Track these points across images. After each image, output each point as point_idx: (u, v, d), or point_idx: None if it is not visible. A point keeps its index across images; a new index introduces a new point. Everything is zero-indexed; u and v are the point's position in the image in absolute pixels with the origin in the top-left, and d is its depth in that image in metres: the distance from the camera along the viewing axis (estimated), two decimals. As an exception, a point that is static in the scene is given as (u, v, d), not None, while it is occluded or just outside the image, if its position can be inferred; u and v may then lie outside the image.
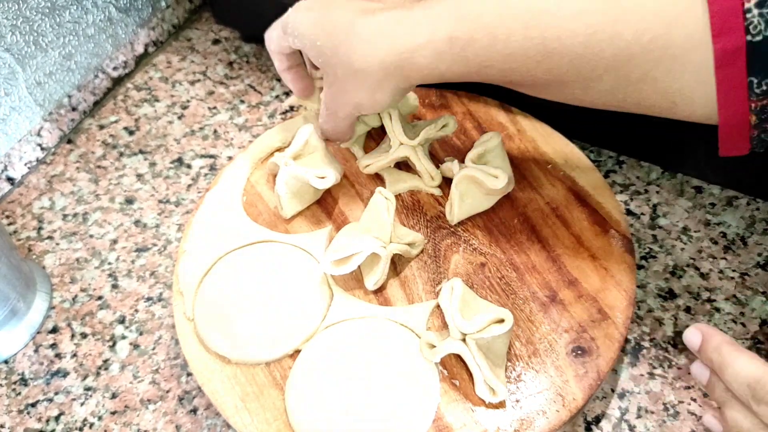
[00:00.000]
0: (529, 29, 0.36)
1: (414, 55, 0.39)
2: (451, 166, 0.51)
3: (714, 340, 0.40)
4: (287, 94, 0.69)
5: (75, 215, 0.61)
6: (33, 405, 0.49)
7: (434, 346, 0.43)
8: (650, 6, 0.33)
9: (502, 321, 0.41)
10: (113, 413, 0.48)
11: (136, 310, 0.54)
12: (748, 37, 0.31)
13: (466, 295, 0.44)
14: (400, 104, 0.53)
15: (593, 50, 0.35)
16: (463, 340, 0.42)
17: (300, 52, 0.48)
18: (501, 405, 0.41)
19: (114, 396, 0.49)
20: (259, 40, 0.75)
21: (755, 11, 0.30)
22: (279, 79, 0.70)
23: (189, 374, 0.50)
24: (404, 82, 0.42)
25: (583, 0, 0.35)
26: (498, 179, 0.48)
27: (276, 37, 0.47)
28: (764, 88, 0.32)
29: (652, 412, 0.46)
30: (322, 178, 0.50)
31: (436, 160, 0.54)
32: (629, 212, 0.56)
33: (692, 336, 0.42)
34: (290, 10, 0.45)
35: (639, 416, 0.46)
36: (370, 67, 0.41)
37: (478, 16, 0.37)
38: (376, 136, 0.57)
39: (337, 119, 0.47)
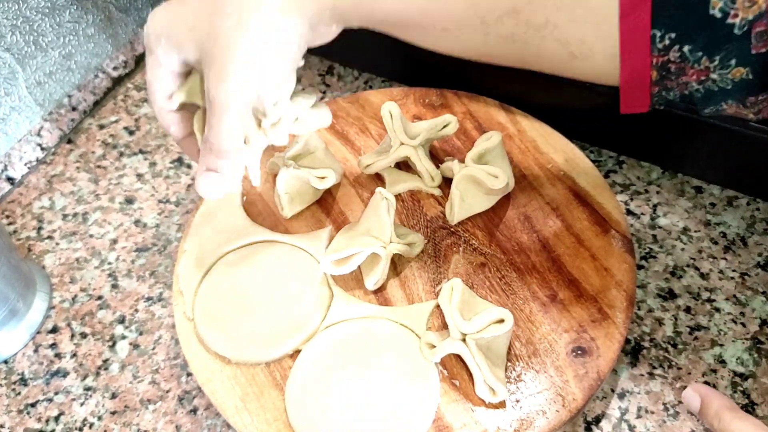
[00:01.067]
0: None
1: None
2: (451, 166, 0.51)
3: (713, 404, 0.40)
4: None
5: (75, 215, 0.61)
6: (33, 405, 0.49)
7: (434, 346, 0.43)
8: None
9: (501, 321, 0.41)
10: (113, 413, 0.48)
11: (136, 310, 0.54)
12: None
13: (466, 295, 0.44)
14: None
15: None
16: (463, 340, 0.42)
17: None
18: (501, 405, 0.41)
19: (114, 396, 0.49)
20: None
21: None
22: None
23: (189, 374, 0.50)
24: (300, 18, 0.35)
25: None
26: (498, 179, 0.48)
27: (151, 65, 0.39)
28: (666, 42, 0.32)
29: (652, 412, 0.46)
30: (322, 178, 0.50)
31: (436, 160, 0.54)
32: (629, 212, 0.56)
33: (691, 398, 0.42)
34: (145, 27, 0.39)
35: (639, 416, 0.46)
36: (257, 12, 0.34)
37: None
38: (377, 137, 0.57)
39: (225, 120, 0.37)
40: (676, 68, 0.33)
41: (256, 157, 0.41)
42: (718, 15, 0.30)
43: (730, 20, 0.30)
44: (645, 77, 0.34)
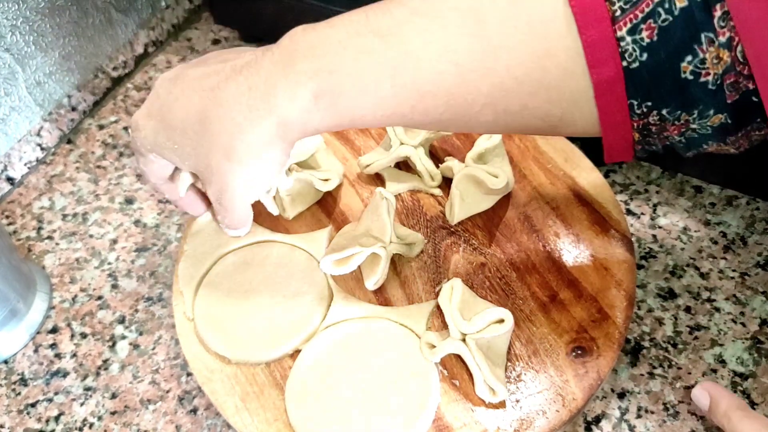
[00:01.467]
0: (398, 75, 0.33)
1: (284, 117, 0.35)
2: (451, 166, 0.51)
3: (722, 404, 0.40)
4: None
5: (75, 215, 0.61)
6: (33, 405, 0.49)
7: (434, 346, 0.43)
8: (519, 40, 0.32)
9: (501, 321, 0.41)
10: (113, 413, 0.48)
11: (136, 310, 0.54)
12: (624, 63, 0.31)
13: (466, 295, 0.44)
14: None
15: (467, 88, 0.33)
16: (463, 340, 0.42)
17: None
18: (501, 405, 0.41)
19: (114, 396, 0.49)
20: (259, 40, 0.75)
21: (628, 38, 0.30)
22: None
23: (189, 374, 0.50)
24: (285, 143, 0.37)
25: (450, 38, 0.33)
26: (498, 179, 0.48)
27: (144, 163, 0.42)
28: (644, 109, 0.32)
29: (652, 412, 0.46)
30: (326, 180, 0.50)
31: (436, 160, 0.54)
32: (629, 212, 0.56)
33: (700, 397, 0.42)
34: (130, 131, 0.41)
35: (639, 416, 0.46)
36: (245, 145, 0.36)
37: (341, 67, 0.34)
38: (377, 138, 0.57)
39: (235, 212, 0.40)
40: (656, 128, 0.33)
41: (268, 198, 0.45)
42: (690, 77, 0.31)
43: (702, 79, 0.31)
44: (628, 138, 0.34)
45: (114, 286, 0.55)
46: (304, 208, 0.52)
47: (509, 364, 0.43)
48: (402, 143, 0.51)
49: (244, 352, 0.44)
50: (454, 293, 0.43)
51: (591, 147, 0.61)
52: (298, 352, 0.45)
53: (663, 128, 0.33)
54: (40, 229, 0.60)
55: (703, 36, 0.30)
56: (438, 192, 0.53)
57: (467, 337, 0.42)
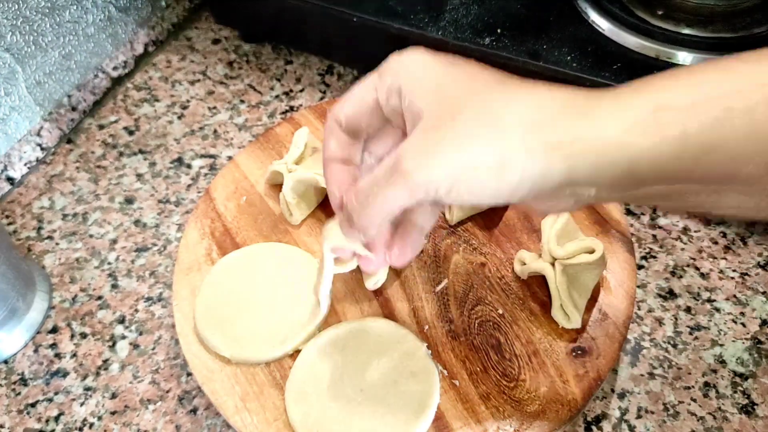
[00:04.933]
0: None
1: (591, 129, 0.28)
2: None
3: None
4: (287, 93, 0.69)
5: (75, 215, 0.61)
6: (33, 405, 0.49)
7: (525, 264, 0.45)
8: None
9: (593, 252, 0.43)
10: (113, 413, 0.48)
11: (136, 310, 0.54)
12: None
13: (569, 226, 0.46)
14: None
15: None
16: (553, 264, 0.44)
17: None
18: (568, 336, 0.41)
19: (114, 396, 0.49)
20: (259, 40, 0.75)
21: None
22: (279, 79, 0.70)
23: (189, 374, 0.50)
24: (548, 161, 0.28)
25: None
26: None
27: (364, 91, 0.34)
28: None
29: (652, 412, 0.46)
30: None
31: (436, 160, 0.54)
32: (629, 212, 0.56)
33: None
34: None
35: (639, 416, 0.46)
36: (513, 123, 0.28)
37: (700, 85, 0.27)
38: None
39: (398, 192, 0.30)
40: None
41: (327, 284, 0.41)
42: None
43: None
44: None
45: (114, 286, 0.55)
46: (308, 212, 0.52)
47: (509, 363, 0.43)
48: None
49: (244, 352, 0.45)
50: (558, 219, 0.45)
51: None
52: (298, 352, 0.45)
53: None
54: (40, 228, 0.60)
55: None
56: (438, 192, 0.53)
57: (556, 262, 0.44)
